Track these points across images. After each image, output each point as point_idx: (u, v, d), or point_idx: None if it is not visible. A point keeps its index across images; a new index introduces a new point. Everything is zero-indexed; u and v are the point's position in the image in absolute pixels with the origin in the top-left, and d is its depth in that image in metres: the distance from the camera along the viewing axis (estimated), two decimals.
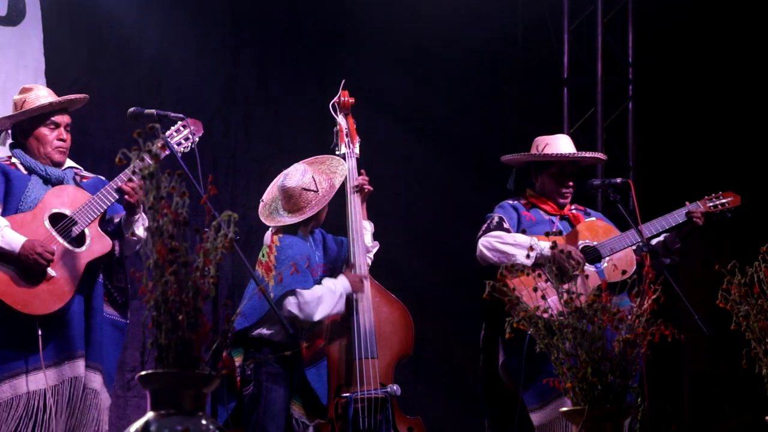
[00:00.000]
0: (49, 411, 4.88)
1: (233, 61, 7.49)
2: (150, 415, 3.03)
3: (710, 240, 7.74)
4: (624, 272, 4.95)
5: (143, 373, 3.06)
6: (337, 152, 5.73)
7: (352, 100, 5.80)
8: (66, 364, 4.93)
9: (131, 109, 4.97)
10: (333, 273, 5.63)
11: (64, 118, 5.15)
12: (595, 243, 5.60)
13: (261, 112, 7.56)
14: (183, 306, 3.02)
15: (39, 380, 4.88)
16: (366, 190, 5.69)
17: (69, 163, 5.22)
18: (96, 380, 5.01)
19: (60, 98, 5.15)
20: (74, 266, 4.93)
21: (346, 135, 5.75)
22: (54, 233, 4.92)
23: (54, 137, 5.11)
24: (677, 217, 5.65)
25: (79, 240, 4.98)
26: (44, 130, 5.11)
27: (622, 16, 8.22)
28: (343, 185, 5.69)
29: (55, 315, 4.90)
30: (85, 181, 5.20)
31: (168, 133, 5.08)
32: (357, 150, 5.75)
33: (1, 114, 5.25)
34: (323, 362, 5.41)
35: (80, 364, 4.96)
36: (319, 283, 5.48)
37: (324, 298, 5.37)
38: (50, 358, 4.90)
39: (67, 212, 4.97)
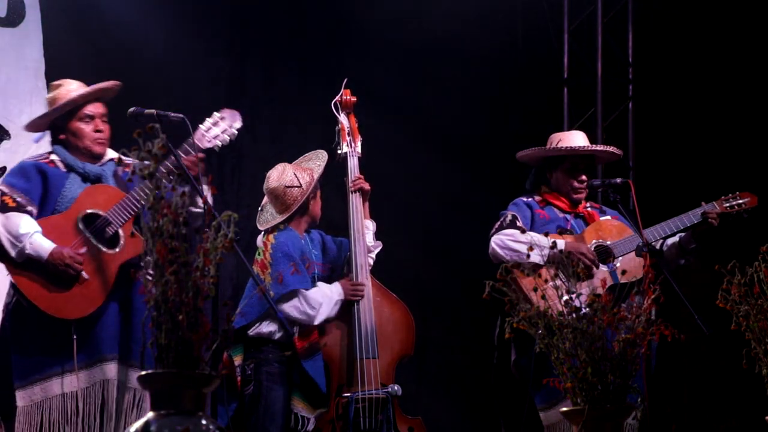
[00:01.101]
0: (81, 413, 4.86)
1: (239, 61, 7.50)
2: (150, 415, 3.03)
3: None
4: (624, 272, 4.94)
5: (143, 373, 3.06)
6: (339, 151, 5.74)
7: (353, 98, 5.80)
8: (97, 367, 4.89)
9: (131, 109, 4.93)
10: (333, 273, 5.63)
11: (98, 109, 5.07)
12: (608, 242, 5.60)
13: (267, 111, 7.56)
14: (183, 306, 3.02)
15: (71, 383, 4.85)
16: (365, 189, 5.69)
17: (110, 153, 5.14)
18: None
19: (88, 89, 5.06)
20: (107, 268, 4.87)
21: (348, 134, 5.75)
22: (87, 234, 4.88)
23: (90, 129, 5.04)
24: (692, 217, 5.62)
25: (113, 241, 4.93)
26: (79, 124, 5.04)
27: (622, 16, 8.21)
28: (344, 185, 5.71)
29: (88, 318, 4.86)
30: (127, 170, 5.06)
31: (205, 127, 5.04)
32: (359, 149, 5.75)
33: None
34: (318, 354, 5.41)
35: (111, 367, 4.91)
36: (315, 281, 5.48)
37: (324, 304, 5.39)
38: (82, 361, 4.86)
39: (101, 212, 4.92)
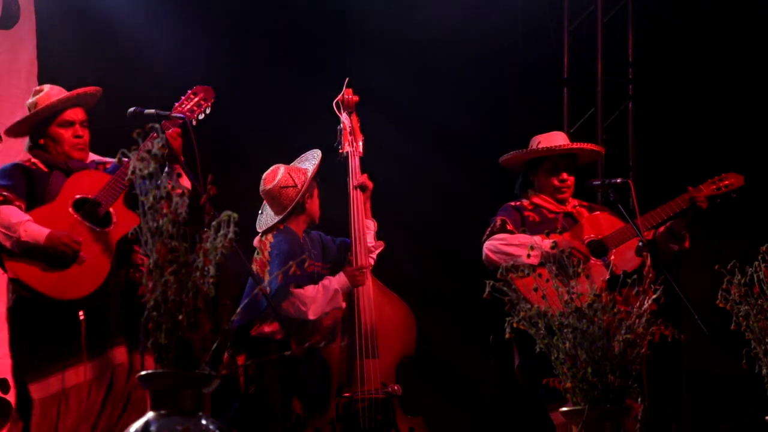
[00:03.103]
0: (87, 402, 4.86)
1: (241, 61, 7.48)
2: (150, 415, 3.03)
3: (711, 240, 7.73)
4: (625, 272, 4.93)
5: (143, 373, 3.06)
6: (341, 151, 5.74)
7: (355, 98, 5.80)
8: (107, 354, 4.88)
9: (131, 109, 4.94)
10: (333, 273, 5.62)
11: (77, 114, 5.09)
12: (600, 237, 5.62)
13: (272, 111, 7.55)
14: (183, 306, 3.02)
15: (85, 372, 4.84)
16: (368, 188, 5.69)
17: (92, 157, 5.16)
18: (149, 363, 4.92)
19: (67, 94, 5.09)
20: (104, 246, 4.88)
21: (350, 133, 5.75)
22: (80, 218, 4.89)
23: (69, 135, 5.07)
24: (681, 203, 5.65)
25: (106, 220, 4.93)
26: (59, 129, 5.07)
27: (622, 16, 8.21)
28: (346, 184, 5.71)
29: (93, 303, 4.85)
30: (108, 167, 5.13)
31: (177, 104, 5.09)
32: (361, 148, 5.75)
33: None
34: (317, 356, 5.40)
35: (121, 351, 4.91)
36: (315, 281, 5.48)
37: (317, 297, 5.37)
38: (92, 349, 4.84)
39: (90, 197, 4.94)
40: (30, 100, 5.15)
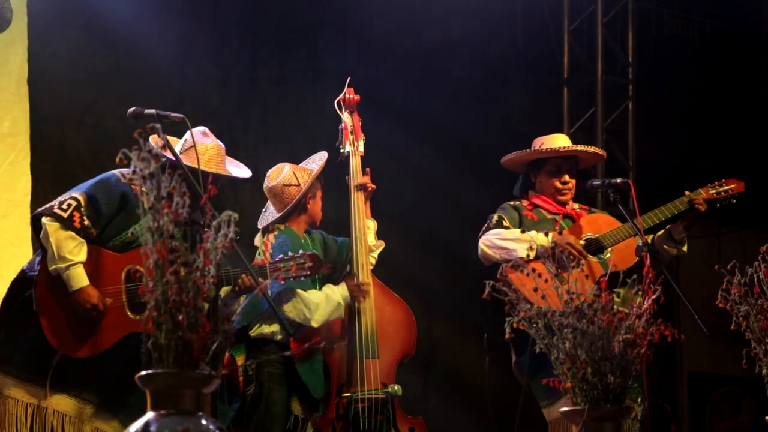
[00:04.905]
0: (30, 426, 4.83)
1: (247, 62, 7.49)
2: (150, 415, 3.03)
3: (710, 240, 7.74)
4: (623, 272, 4.94)
5: (143, 373, 3.06)
6: (342, 150, 5.74)
7: (357, 97, 5.79)
8: (63, 396, 4.85)
9: (131, 109, 4.89)
10: (334, 272, 5.62)
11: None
12: (597, 235, 5.62)
13: (275, 112, 7.56)
14: (183, 306, 3.02)
15: (34, 394, 4.82)
16: (369, 189, 5.69)
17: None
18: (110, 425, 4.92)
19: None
20: (120, 329, 4.82)
21: (351, 132, 5.75)
22: (123, 288, 4.85)
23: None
24: (679, 205, 5.64)
25: (141, 307, 4.80)
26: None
27: (622, 16, 8.23)
28: (347, 184, 5.71)
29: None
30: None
31: (280, 259, 5.11)
32: (362, 148, 5.75)
33: None
34: (317, 357, 5.40)
35: (70, 402, 4.86)
36: (316, 281, 5.48)
37: (322, 304, 5.36)
38: (56, 383, 4.83)
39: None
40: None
